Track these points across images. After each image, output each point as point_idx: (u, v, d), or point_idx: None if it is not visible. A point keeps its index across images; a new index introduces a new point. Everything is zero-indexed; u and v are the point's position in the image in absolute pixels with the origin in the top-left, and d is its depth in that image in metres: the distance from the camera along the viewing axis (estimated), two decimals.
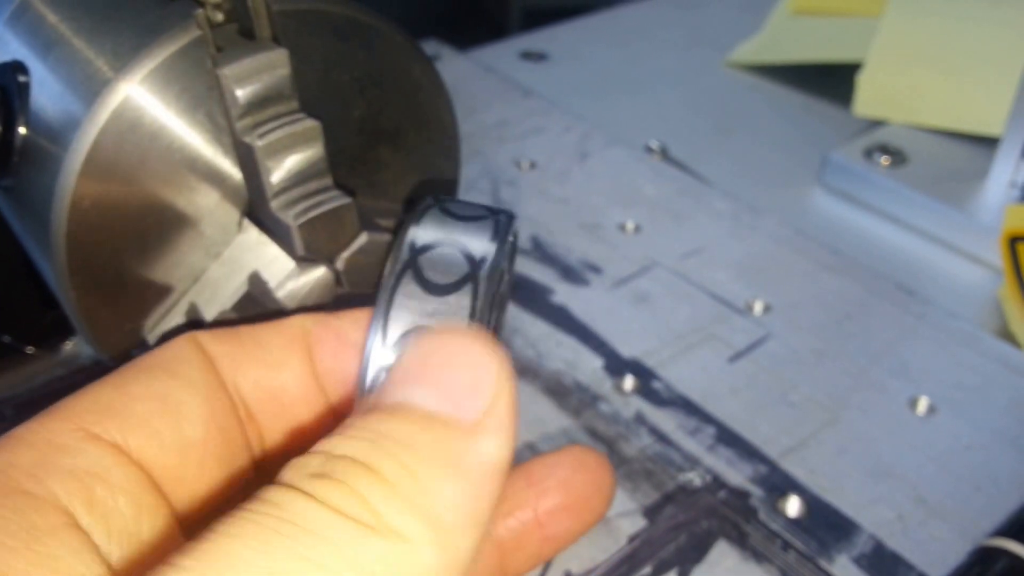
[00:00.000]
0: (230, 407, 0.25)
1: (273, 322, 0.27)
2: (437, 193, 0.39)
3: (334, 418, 0.26)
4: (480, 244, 0.24)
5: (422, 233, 0.25)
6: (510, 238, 0.26)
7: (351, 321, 0.26)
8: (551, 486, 0.31)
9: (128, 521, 0.21)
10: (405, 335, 0.23)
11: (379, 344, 0.23)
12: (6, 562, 0.18)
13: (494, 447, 0.20)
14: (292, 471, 0.19)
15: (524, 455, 0.41)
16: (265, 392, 0.26)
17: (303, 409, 0.26)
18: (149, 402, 0.23)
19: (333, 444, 0.19)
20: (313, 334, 0.26)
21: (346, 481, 0.18)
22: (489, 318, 0.24)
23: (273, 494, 0.18)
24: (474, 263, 0.24)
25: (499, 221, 0.25)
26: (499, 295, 0.27)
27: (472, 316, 0.23)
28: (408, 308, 0.23)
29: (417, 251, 0.24)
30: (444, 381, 0.21)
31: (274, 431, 0.26)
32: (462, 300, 0.23)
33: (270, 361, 0.26)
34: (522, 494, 0.31)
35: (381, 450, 0.19)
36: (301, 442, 0.26)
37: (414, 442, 0.19)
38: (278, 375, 0.26)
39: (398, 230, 0.25)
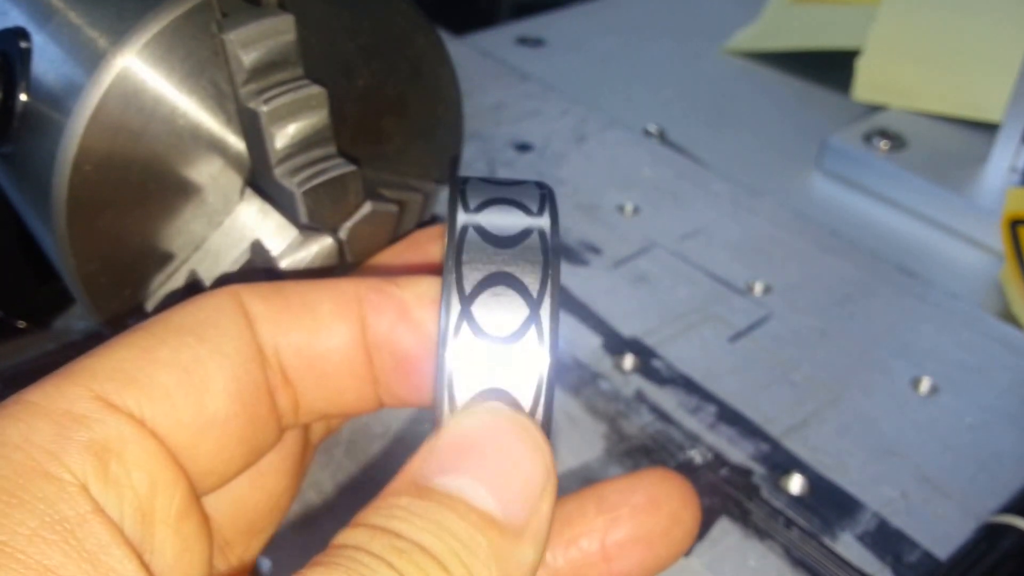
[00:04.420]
0: (261, 379, 0.24)
1: (324, 283, 0.25)
2: (440, 167, 0.39)
3: (375, 389, 0.26)
4: (533, 217, 0.24)
5: (472, 214, 0.24)
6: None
7: (413, 295, 0.25)
8: (623, 514, 0.28)
9: (142, 499, 0.20)
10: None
11: (452, 334, 0.22)
12: (47, 555, 0.18)
13: (533, 552, 0.21)
14: (368, 541, 0.19)
15: None
16: (306, 359, 0.24)
17: (344, 377, 0.25)
18: (173, 371, 0.22)
19: (397, 527, 0.20)
20: (369, 302, 0.25)
21: (424, 568, 0.19)
22: (556, 283, 0.23)
23: (358, 554, 0.19)
24: (533, 232, 0.23)
25: (544, 194, 0.24)
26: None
27: (545, 276, 0.23)
28: (478, 273, 0.23)
29: (473, 228, 0.23)
30: (499, 481, 0.21)
31: (310, 397, 0.25)
32: (531, 264, 0.23)
33: (316, 326, 0.24)
34: (590, 521, 0.28)
35: (447, 546, 0.20)
36: (337, 410, 0.26)
37: (474, 546, 0.20)
38: (323, 342, 0.24)
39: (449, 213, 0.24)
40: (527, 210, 0.24)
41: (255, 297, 0.24)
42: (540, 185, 0.25)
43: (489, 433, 0.22)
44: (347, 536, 0.20)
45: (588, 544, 0.28)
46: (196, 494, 0.23)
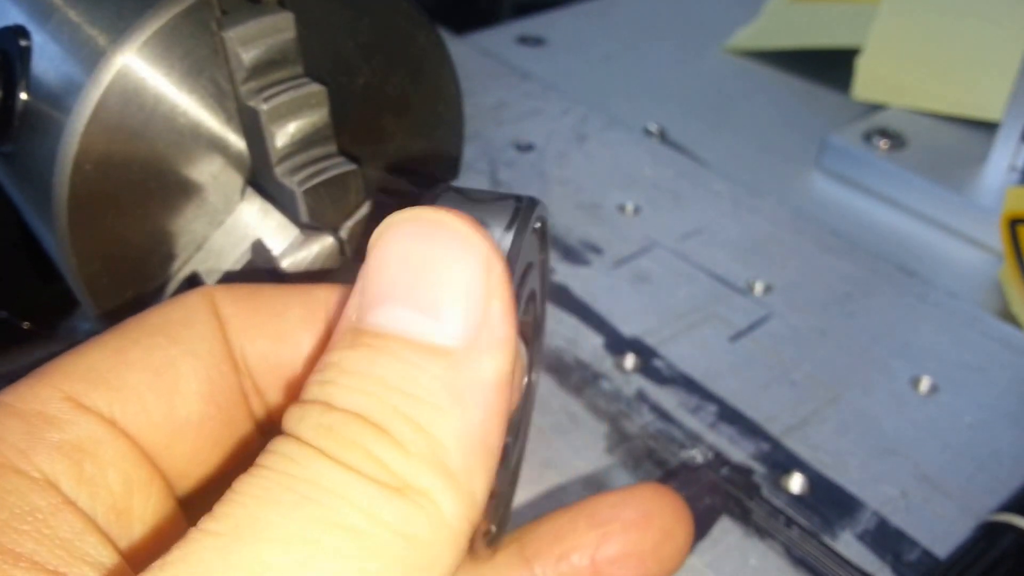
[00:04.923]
0: (234, 381, 0.23)
1: (297, 289, 0.24)
2: (441, 167, 0.39)
3: None
4: (495, 232, 0.22)
5: None
6: (535, 225, 0.24)
7: None
8: (614, 529, 0.28)
9: (117, 497, 0.20)
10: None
11: None
12: (19, 543, 0.18)
13: (493, 365, 0.19)
14: (297, 423, 0.18)
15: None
16: (271, 366, 0.24)
17: None
18: (144, 373, 0.22)
19: (328, 393, 0.18)
20: (336, 311, 0.24)
21: (358, 441, 0.17)
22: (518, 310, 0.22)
23: (287, 448, 0.18)
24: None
25: (519, 208, 0.23)
26: (534, 289, 0.26)
27: None
28: None
29: None
30: (429, 297, 0.19)
31: (278, 404, 0.25)
32: None
33: (282, 334, 0.24)
34: (580, 536, 0.28)
35: (383, 403, 0.18)
36: None
37: (413, 387, 0.18)
38: (288, 352, 0.24)
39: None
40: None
41: (227, 299, 0.24)
42: (518, 199, 0.24)
43: (414, 243, 0.19)
44: (283, 420, 0.18)
45: (579, 559, 0.28)
46: (175, 495, 0.23)
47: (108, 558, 0.19)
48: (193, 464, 0.23)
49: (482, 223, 0.21)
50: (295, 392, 0.24)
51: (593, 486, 0.40)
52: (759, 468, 0.41)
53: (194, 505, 0.24)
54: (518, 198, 0.23)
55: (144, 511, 0.21)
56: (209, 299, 0.24)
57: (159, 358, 0.22)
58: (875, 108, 0.69)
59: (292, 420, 0.18)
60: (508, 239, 0.22)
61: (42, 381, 0.21)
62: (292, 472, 0.17)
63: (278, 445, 0.18)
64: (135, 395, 0.21)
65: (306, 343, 0.24)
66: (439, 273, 0.19)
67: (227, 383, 0.23)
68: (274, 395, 0.24)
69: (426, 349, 0.18)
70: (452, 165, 0.39)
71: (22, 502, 0.18)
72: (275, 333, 0.24)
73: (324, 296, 0.24)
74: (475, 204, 0.23)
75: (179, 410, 0.22)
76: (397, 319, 0.19)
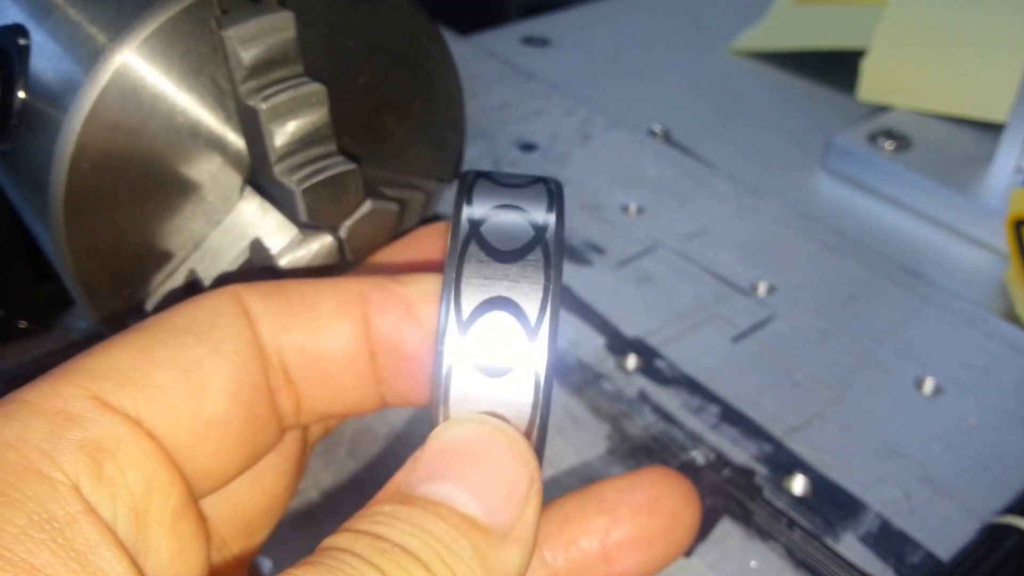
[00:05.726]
0: (261, 380, 0.23)
1: (326, 282, 0.25)
2: (442, 166, 0.38)
3: (378, 388, 0.25)
4: (539, 213, 0.24)
5: (477, 209, 0.24)
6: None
7: (417, 292, 0.25)
8: (623, 514, 0.28)
9: (136, 500, 0.20)
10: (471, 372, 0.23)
11: (453, 335, 0.22)
12: (34, 554, 0.18)
13: (518, 556, 0.21)
14: (352, 543, 0.20)
15: None
16: (308, 358, 0.24)
17: (347, 376, 0.25)
18: (171, 372, 0.22)
19: (380, 530, 0.20)
20: (372, 300, 0.25)
21: (406, 567, 0.19)
22: (559, 285, 0.23)
23: (343, 555, 0.19)
24: (539, 229, 0.23)
25: (551, 189, 0.24)
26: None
27: (546, 283, 0.23)
28: (479, 284, 0.23)
29: (476, 224, 0.23)
30: (484, 487, 0.21)
31: (312, 396, 0.25)
32: (533, 268, 0.23)
33: (319, 325, 0.24)
34: (590, 520, 0.28)
35: (430, 548, 0.20)
36: (339, 410, 0.26)
37: (455, 546, 0.20)
38: (325, 341, 0.24)
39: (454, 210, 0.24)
40: (532, 220, 0.24)
41: (256, 296, 0.24)
42: (546, 182, 0.25)
43: (474, 441, 0.22)
44: (332, 540, 0.20)
45: (588, 544, 0.28)
46: (193, 495, 0.23)
47: (122, 573, 0.19)
48: (215, 463, 0.23)
49: (522, 212, 0.24)
50: (335, 382, 0.25)
51: None
52: (761, 469, 0.40)
53: (210, 504, 0.25)
54: (545, 181, 0.25)
55: (163, 513, 0.21)
56: (236, 298, 0.24)
57: (186, 357, 0.22)
58: (880, 109, 0.69)
59: (344, 541, 0.20)
60: (552, 218, 0.24)
61: (64, 379, 0.21)
62: (350, 573, 0.19)
63: (333, 553, 0.20)
64: (162, 394, 0.21)
65: (342, 333, 0.25)
66: (494, 470, 0.22)
67: (252, 381, 0.23)
68: (308, 385, 0.25)
69: (470, 522, 0.21)
70: (454, 165, 0.39)
71: (40, 509, 0.18)
72: (311, 325, 0.24)
73: (355, 287, 0.25)
74: (509, 190, 0.24)
75: (206, 409, 0.22)
76: (450, 494, 0.21)
